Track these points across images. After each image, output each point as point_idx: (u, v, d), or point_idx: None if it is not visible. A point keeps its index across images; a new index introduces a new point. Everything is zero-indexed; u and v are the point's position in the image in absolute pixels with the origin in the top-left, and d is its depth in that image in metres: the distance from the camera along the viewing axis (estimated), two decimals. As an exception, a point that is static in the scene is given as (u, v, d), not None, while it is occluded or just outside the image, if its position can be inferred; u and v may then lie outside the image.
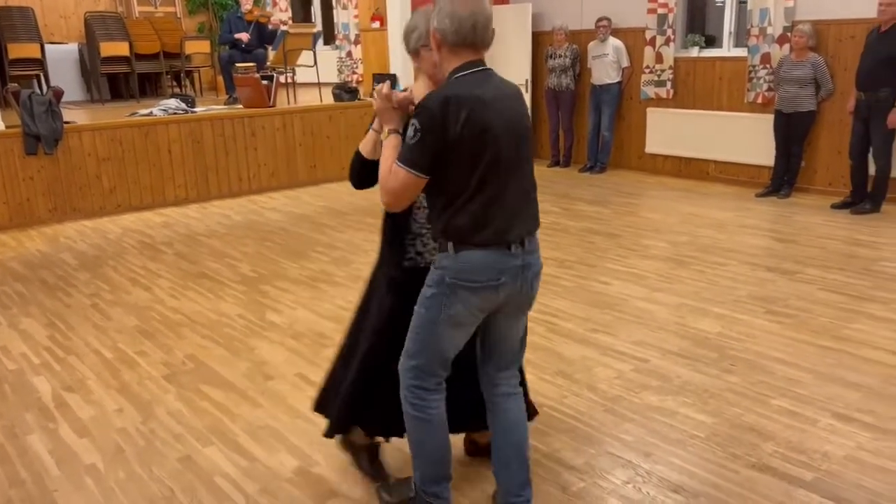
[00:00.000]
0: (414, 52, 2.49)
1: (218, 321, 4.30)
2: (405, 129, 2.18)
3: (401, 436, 2.47)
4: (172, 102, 7.70)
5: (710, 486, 2.58)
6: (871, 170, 6.27)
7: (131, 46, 9.46)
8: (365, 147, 2.38)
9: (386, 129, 2.27)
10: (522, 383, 2.53)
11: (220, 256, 5.63)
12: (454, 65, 2.18)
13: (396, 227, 2.45)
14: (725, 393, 3.23)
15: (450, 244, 2.17)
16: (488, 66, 2.22)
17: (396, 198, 2.17)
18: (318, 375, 3.50)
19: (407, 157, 2.10)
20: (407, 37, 2.51)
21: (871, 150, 6.20)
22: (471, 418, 2.51)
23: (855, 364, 3.47)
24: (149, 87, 10.40)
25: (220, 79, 10.04)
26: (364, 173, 2.42)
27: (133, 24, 10.01)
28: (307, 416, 3.13)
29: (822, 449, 2.78)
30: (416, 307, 2.28)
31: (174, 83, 10.44)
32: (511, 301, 2.30)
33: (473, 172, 2.11)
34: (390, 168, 2.14)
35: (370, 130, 2.38)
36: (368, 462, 2.69)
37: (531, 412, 2.60)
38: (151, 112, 7.45)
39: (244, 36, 8.99)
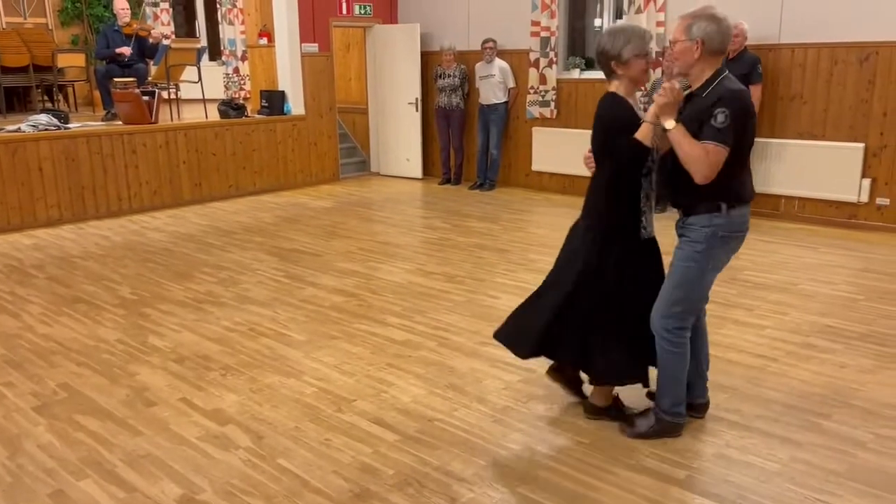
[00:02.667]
0: (625, 62, 2.87)
1: (95, 347, 4.09)
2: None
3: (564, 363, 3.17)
4: (43, 118, 7.28)
5: (590, 489, 2.69)
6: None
7: (-3, 59, 8.89)
8: (647, 138, 2.79)
9: (666, 120, 2.72)
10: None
11: (98, 279, 5.36)
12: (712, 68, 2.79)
13: (632, 212, 2.94)
14: (607, 399, 3.37)
15: (723, 205, 2.76)
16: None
17: (714, 170, 2.67)
18: (203, 399, 3.41)
19: (721, 139, 2.64)
20: (618, 47, 2.86)
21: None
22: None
23: (722, 367, 3.70)
24: (17, 101, 9.79)
25: (97, 94, 9.58)
26: (641, 156, 2.85)
27: (0, 36, 9.41)
28: (192, 442, 3.03)
29: (694, 448, 2.95)
30: (678, 263, 2.86)
31: (45, 98, 9.88)
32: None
33: (746, 151, 2.81)
34: (706, 149, 2.65)
35: (645, 123, 2.79)
36: (575, 390, 3.28)
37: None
38: (19, 128, 7.02)
39: (126, 50, 8.62)
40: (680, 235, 2.93)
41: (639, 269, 2.99)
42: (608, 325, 2.96)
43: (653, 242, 3.04)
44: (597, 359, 2.97)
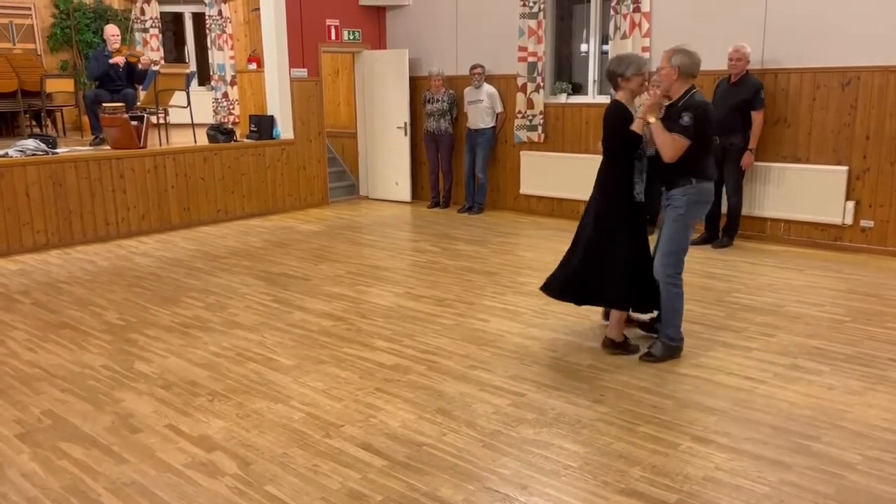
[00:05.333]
0: (627, 78, 4.03)
1: (80, 373, 4.05)
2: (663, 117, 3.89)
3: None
4: (31, 143, 7.26)
5: (582, 513, 2.67)
6: (724, 208, 6.82)
7: (-15, 84, 8.89)
8: (639, 129, 3.93)
9: (650, 116, 3.86)
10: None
11: (84, 304, 5.32)
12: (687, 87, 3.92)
13: (628, 182, 4.04)
14: (596, 423, 3.37)
15: (693, 180, 3.92)
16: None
17: (676, 153, 3.85)
18: (190, 426, 3.38)
19: (683, 133, 3.81)
20: (623, 68, 4.03)
21: (724, 190, 6.74)
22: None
23: (711, 389, 3.71)
24: (4, 126, 9.77)
25: (86, 119, 9.58)
26: (631, 145, 4.01)
27: (-12, 61, 9.42)
28: (178, 469, 2.99)
29: (684, 471, 2.94)
30: (668, 224, 4.00)
31: (33, 123, 9.86)
32: None
33: (708, 143, 3.95)
34: (673, 138, 3.82)
35: (638, 119, 3.92)
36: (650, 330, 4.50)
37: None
38: (7, 153, 6.99)
39: (120, 60, 8.61)
40: (666, 206, 4.04)
41: (632, 222, 4.09)
42: (615, 263, 4.06)
43: (642, 206, 4.10)
44: (608, 290, 4.12)
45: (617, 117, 4.03)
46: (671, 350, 4.10)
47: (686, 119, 3.79)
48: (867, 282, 5.62)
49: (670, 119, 3.85)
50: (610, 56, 7.71)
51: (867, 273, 5.86)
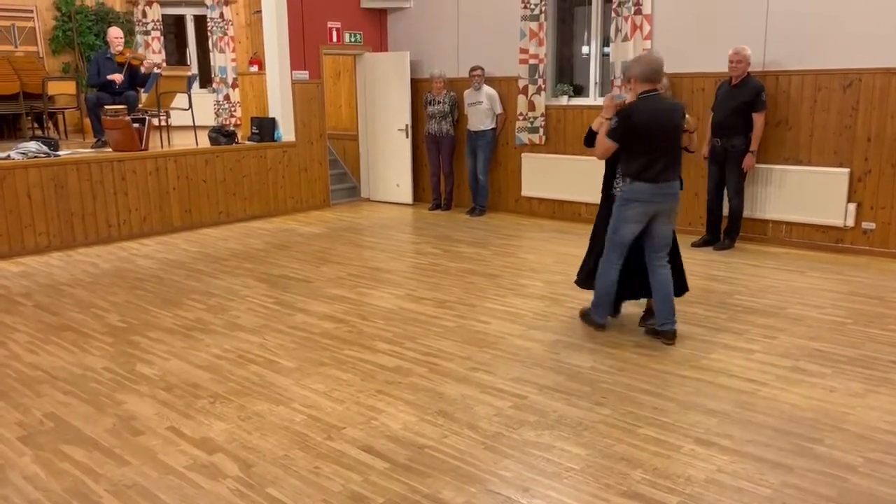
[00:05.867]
0: (627, 80, 4.30)
1: (82, 376, 4.05)
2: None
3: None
4: (32, 145, 7.27)
5: (584, 516, 2.67)
6: (725, 210, 6.82)
7: (-13, 86, 8.91)
8: (596, 126, 4.35)
9: (606, 116, 4.21)
10: (675, 264, 4.48)
11: (86, 307, 5.33)
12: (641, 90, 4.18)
13: (611, 175, 4.47)
14: (598, 425, 3.37)
15: (627, 179, 4.20)
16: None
17: (601, 153, 4.30)
18: (191, 428, 3.38)
19: (609, 135, 4.19)
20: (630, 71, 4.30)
21: (725, 191, 6.75)
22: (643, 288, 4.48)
23: (713, 391, 3.71)
24: (6, 129, 9.79)
25: (88, 121, 9.60)
26: (592, 141, 4.43)
27: (-10, 63, 9.44)
28: (179, 472, 3.00)
29: (686, 473, 2.94)
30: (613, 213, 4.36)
31: (35, 125, 9.88)
32: (659, 212, 4.23)
33: (644, 145, 4.14)
34: (601, 139, 4.24)
35: (600, 119, 4.30)
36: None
37: (683, 288, 4.61)
38: (9, 155, 7.01)
39: (118, 77, 8.66)
40: None
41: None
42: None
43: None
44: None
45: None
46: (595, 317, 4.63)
47: (613, 122, 4.13)
48: (869, 284, 5.61)
49: None
50: (611, 58, 7.72)
51: (869, 275, 5.86)
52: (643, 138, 4.10)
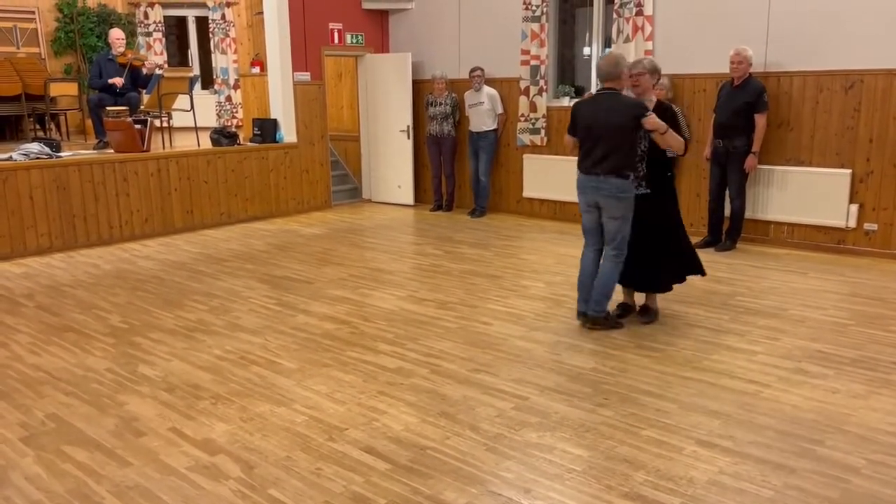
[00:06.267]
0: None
1: (84, 377, 4.05)
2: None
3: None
4: (34, 146, 7.28)
5: (586, 517, 2.67)
6: (727, 211, 6.82)
7: (-11, 88, 8.92)
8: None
9: None
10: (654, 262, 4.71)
11: (88, 308, 5.33)
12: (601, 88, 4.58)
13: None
14: (600, 426, 3.36)
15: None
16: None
17: (567, 145, 4.84)
18: (193, 429, 3.38)
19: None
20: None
21: (727, 192, 6.74)
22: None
23: (715, 393, 3.70)
24: (8, 130, 9.80)
25: (89, 122, 9.61)
26: None
27: (-8, 65, 9.46)
28: (181, 473, 3.00)
29: (688, 475, 2.94)
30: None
31: (37, 126, 9.89)
32: (600, 205, 4.54)
33: (582, 138, 4.57)
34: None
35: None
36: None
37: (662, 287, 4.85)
38: (10, 157, 7.02)
39: (119, 81, 8.67)
40: None
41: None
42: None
43: (643, 198, 4.57)
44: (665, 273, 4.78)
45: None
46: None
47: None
48: (871, 285, 5.60)
49: None
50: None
51: (871, 276, 5.85)
52: (581, 131, 4.53)
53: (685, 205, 7.49)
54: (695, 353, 4.25)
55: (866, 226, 6.48)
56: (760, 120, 6.46)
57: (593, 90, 8.27)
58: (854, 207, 6.48)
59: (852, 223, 6.52)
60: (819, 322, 4.77)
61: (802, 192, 6.69)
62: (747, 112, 6.45)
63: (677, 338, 4.51)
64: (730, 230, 6.83)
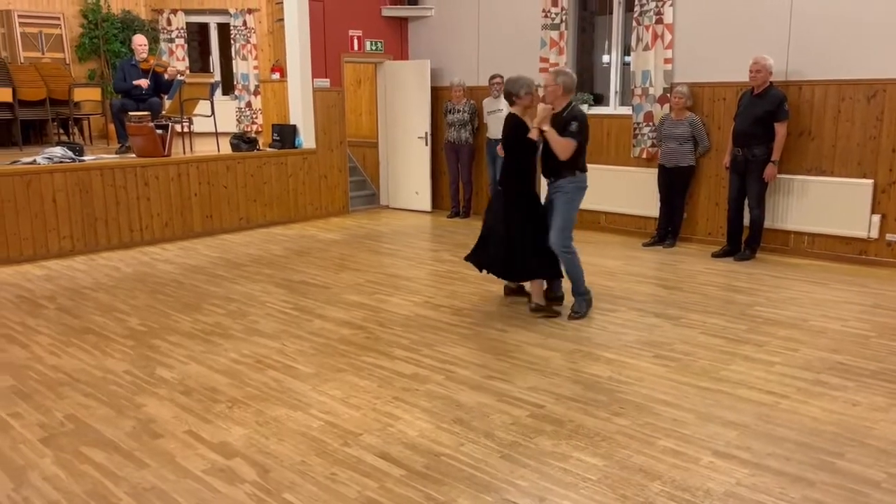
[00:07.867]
0: (518, 96, 4.97)
1: (102, 378, 4.09)
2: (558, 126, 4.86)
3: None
4: (58, 151, 7.39)
5: (601, 527, 2.65)
6: (746, 220, 6.76)
7: (15, 92, 9.06)
8: (535, 135, 4.87)
9: (544, 125, 4.83)
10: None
11: (108, 310, 5.39)
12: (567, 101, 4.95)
13: (529, 177, 5.07)
14: (616, 435, 3.34)
15: (576, 172, 4.95)
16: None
17: (569, 153, 4.82)
18: (210, 432, 3.40)
19: (573, 137, 4.81)
20: (517, 88, 4.97)
21: (746, 201, 6.69)
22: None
23: (732, 403, 3.67)
24: (33, 134, 9.95)
25: (112, 127, 9.73)
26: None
27: (18, 70, 9.60)
28: (197, 475, 3.02)
29: (705, 486, 2.91)
30: (560, 207, 4.97)
31: (61, 131, 10.04)
32: None
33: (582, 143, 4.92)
34: (567, 142, 4.81)
35: (534, 129, 4.86)
36: (521, 293, 5.54)
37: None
38: (35, 160, 7.12)
39: (143, 82, 8.76)
40: (554, 192, 5.02)
41: (534, 208, 5.08)
42: (525, 244, 4.98)
43: (536, 195, 5.14)
44: (523, 268, 5.07)
45: (514, 127, 4.97)
46: (588, 302, 5.16)
47: (574, 126, 4.79)
48: (893, 296, 5.53)
49: (558, 126, 4.82)
50: (632, 68, 7.71)
51: (893, 287, 5.77)
52: (587, 137, 5.04)
53: (705, 214, 7.46)
54: (712, 363, 4.21)
55: (888, 237, 6.40)
56: (781, 129, 6.41)
57: (612, 98, 8.25)
58: (876, 218, 6.40)
59: (874, 234, 6.44)
60: (840, 333, 4.72)
61: (823, 202, 6.62)
62: (767, 121, 6.41)
63: (694, 347, 4.47)
64: (749, 239, 6.77)
